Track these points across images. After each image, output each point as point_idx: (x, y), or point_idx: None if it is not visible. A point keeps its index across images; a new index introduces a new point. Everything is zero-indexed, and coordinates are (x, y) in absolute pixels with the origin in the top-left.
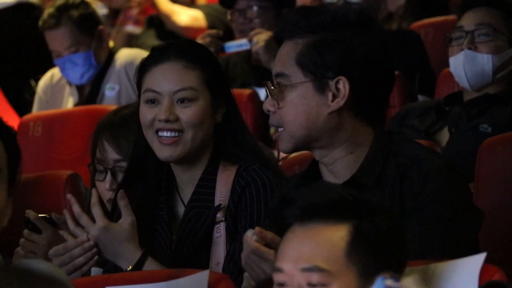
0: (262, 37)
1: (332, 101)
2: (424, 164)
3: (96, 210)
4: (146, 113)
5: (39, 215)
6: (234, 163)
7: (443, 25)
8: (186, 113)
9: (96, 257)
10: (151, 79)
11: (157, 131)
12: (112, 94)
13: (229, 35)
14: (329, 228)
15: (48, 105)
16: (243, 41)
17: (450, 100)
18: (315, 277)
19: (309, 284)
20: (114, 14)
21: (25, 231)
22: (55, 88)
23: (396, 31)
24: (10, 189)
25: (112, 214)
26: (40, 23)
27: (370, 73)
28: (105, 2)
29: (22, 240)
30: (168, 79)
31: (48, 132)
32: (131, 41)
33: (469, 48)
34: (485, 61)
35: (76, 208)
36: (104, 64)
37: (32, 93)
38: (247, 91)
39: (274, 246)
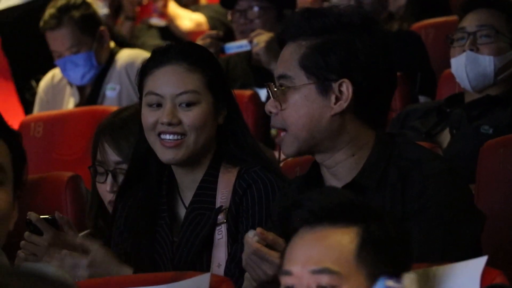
0: (262, 38)
1: (335, 103)
2: (426, 167)
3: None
4: (148, 116)
5: (41, 216)
6: (235, 165)
7: (444, 26)
8: (189, 116)
9: None
10: (153, 82)
11: (159, 134)
12: (113, 95)
13: (230, 36)
14: (338, 231)
15: (49, 106)
16: (244, 42)
17: (451, 101)
18: (325, 279)
19: (318, 286)
20: (115, 13)
21: (26, 233)
22: (56, 89)
23: (397, 31)
24: (15, 192)
25: (113, 216)
26: (41, 23)
27: (373, 76)
28: None
29: (23, 242)
30: (170, 82)
31: (49, 132)
32: (131, 39)
33: (471, 50)
34: (487, 62)
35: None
36: (105, 65)
37: (33, 93)
38: (248, 92)
39: (275, 247)
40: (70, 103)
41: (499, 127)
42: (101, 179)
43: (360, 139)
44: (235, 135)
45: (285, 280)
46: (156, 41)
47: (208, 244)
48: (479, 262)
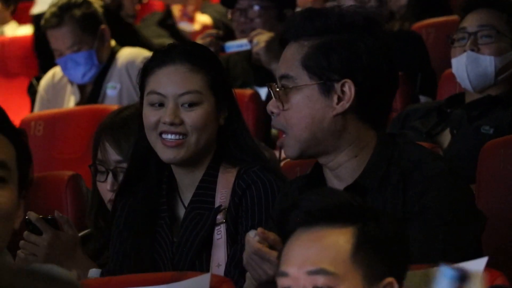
0: (263, 38)
1: (337, 103)
2: (427, 168)
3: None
4: (150, 116)
5: (40, 216)
6: (235, 165)
7: (444, 26)
8: (191, 117)
9: None
10: (155, 81)
11: (160, 134)
12: (114, 93)
13: (230, 37)
14: (335, 232)
15: (50, 104)
16: (244, 41)
17: (452, 101)
18: (321, 280)
19: (315, 287)
20: (116, 10)
21: (25, 233)
22: (57, 87)
23: (398, 31)
24: (21, 191)
25: (112, 215)
26: (42, 22)
27: (375, 76)
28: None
29: (22, 242)
30: (173, 82)
31: (49, 131)
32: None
33: (472, 50)
34: (487, 62)
35: None
36: (105, 63)
37: (34, 92)
38: (248, 92)
39: (276, 247)
40: (70, 102)
41: (500, 127)
42: (102, 178)
43: (362, 140)
44: (235, 136)
45: (281, 281)
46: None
47: (208, 244)
48: (480, 263)
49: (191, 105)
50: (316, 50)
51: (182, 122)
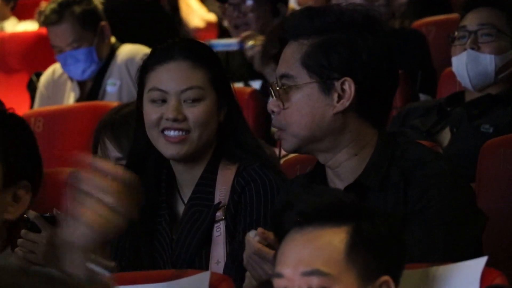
0: (258, 42)
1: (338, 102)
2: (428, 167)
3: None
4: (152, 112)
5: (39, 214)
6: (234, 162)
7: (445, 24)
8: (194, 113)
9: None
10: (157, 78)
11: (163, 130)
12: (114, 90)
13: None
14: (328, 232)
15: (50, 101)
16: (233, 41)
17: (452, 100)
18: (315, 281)
19: None
20: None
21: (23, 231)
22: (57, 84)
23: (400, 30)
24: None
25: None
26: (42, 18)
27: (375, 75)
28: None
29: (20, 240)
30: (175, 78)
31: (49, 128)
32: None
33: (472, 48)
34: (487, 61)
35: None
36: (105, 60)
37: (34, 88)
38: (248, 89)
39: (276, 247)
40: (70, 98)
41: (500, 126)
42: None
43: (362, 138)
44: (235, 132)
45: (277, 283)
46: None
47: (207, 241)
48: (479, 263)
49: (194, 100)
50: (316, 48)
51: (185, 118)
